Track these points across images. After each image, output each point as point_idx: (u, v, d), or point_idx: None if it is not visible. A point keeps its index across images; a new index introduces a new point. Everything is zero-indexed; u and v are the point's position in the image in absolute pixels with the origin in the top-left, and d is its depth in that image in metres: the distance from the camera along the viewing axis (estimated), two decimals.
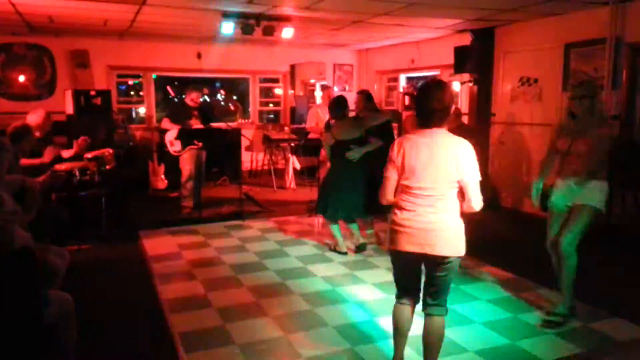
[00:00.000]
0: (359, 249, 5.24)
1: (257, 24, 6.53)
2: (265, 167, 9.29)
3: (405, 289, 2.84)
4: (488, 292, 4.25)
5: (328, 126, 5.28)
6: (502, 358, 3.20)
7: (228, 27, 6.45)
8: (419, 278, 2.82)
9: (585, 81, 5.66)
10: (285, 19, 6.63)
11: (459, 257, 2.68)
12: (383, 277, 4.55)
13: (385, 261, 4.85)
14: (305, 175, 8.99)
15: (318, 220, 6.64)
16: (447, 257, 2.62)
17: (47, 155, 5.13)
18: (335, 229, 5.21)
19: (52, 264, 2.88)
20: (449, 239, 2.61)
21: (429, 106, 2.59)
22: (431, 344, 2.78)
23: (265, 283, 4.43)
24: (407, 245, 2.65)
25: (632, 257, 4.83)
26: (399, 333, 2.88)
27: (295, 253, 5.25)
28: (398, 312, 2.86)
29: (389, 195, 2.74)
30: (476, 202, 2.63)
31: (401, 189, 2.68)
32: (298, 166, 8.88)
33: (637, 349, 3.37)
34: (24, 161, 4.89)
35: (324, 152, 6.99)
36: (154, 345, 3.36)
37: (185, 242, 5.60)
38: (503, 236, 6.10)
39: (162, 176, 8.39)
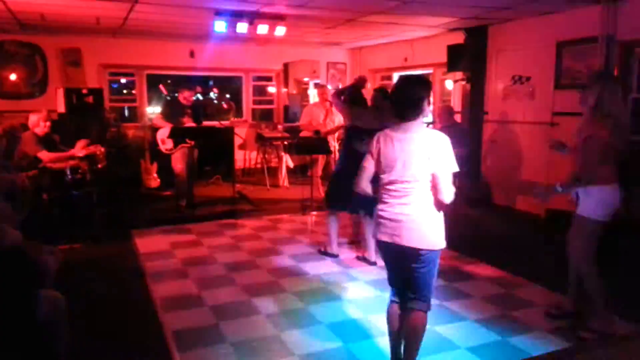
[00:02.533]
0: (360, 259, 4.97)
1: (250, 22, 6.51)
2: (259, 166, 9.28)
3: (393, 285, 2.88)
4: (480, 289, 4.27)
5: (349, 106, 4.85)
6: (493, 354, 3.22)
7: (221, 25, 6.43)
8: (405, 275, 2.82)
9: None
10: (278, 17, 6.62)
11: (434, 250, 2.65)
12: (376, 274, 4.55)
13: (378, 259, 4.87)
14: (299, 173, 8.99)
15: (311, 218, 6.65)
16: (417, 249, 2.63)
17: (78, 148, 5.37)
18: (330, 222, 4.97)
19: (43, 263, 2.86)
20: (416, 230, 2.62)
21: (403, 99, 2.66)
22: (407, 339, 2.78)
23: (259, 281, 4.42)
24: (380, 234, 2.74)
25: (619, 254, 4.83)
26: (390, 332, 2.90)
27: (289, 251, 5.25)
28: (388, 310, 2.89)
29: (362, 184, 2.84)
30: (446, 195, 2.59)
31: (381, 183, 2.75)
32: (291, 164, 8.88)
33: (624, 344, 3.40)
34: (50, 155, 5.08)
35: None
36: (147, 343, 3.35)
37: (177, 240, 5.59)
38: (495, 233, 6.13)
39: (155, 174, 8.36)
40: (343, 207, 4.91)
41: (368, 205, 4.10)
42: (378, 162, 2.73)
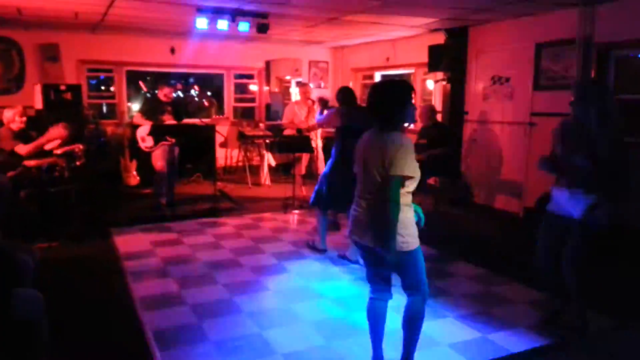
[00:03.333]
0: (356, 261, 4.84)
1: (231, 20, 6.47)
2: (240, 164, 9.24)
3: (371, 281, 2.91)
4: (460, 287, 4.32)
5: (338, 111, 5.00)
6: (475, 351, 3.26)
7: (202, 22, 6.38)
8: (380, 272, 2.83)
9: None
10: (260, 15, 6.59)
11: (402, 252, 2.62)
12: (358, 273, 4.57)
13: (361, 258, 4.89)
14: (281, 172, 8.98)
15: (293, 217, 6.65)
16: (373, 248, 2.67)
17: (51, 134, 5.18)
18: (322, 221, 5.06)
19: (21, 261, 2.81)
20: (376, 231, 2.63)
21: (374, 103, 2.69)
22: (403, 326, 2.82)
23: (240, 280, 4.40)
24: (351, 233, 2.83)
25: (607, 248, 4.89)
26: (370, 329, 2.92)
27: (271, 250, 5.23)
28: (368, 307, 2.93)
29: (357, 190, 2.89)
30: (387, 197, 2.53)
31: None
32: (273, 163, 8.86)
33: (603, 338, 3.48)
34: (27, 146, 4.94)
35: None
36: (128, 343, 3.31)
37: (158, 239, 5.53)
38: (475, 232, 6.20)
39: (134, 172, 8.27)
40: (338, 207, 4.96)
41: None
42: (357, 165, 2.80)
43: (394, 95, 2.66)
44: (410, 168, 2.57)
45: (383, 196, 2.58)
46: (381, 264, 2.76)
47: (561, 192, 3.40)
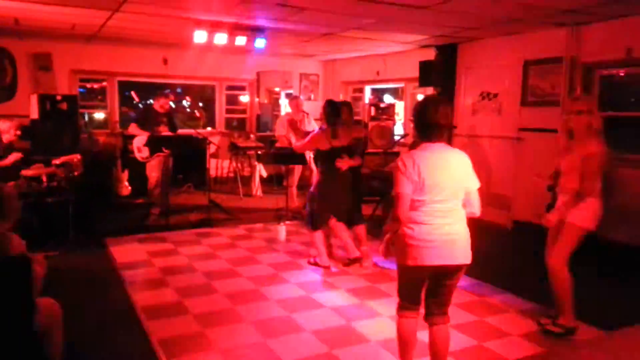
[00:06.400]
0: (350, 262, 5.11)
1: (229, 33, 6.58)
2: (231, 174, 9.30)
3: (413, 302, 2.83)
4: (456, 297, 4.42)
5: (324, 132, 4.92)
6: (470, 358, 3.38)
7: (201, 36, 6.48)
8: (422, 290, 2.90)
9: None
10: (257, 29, 6.71)
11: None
12: (356, 283, 4.68)
13: (357, 268, 5.02)
14: (273, 183, 9.06)
15: (287, 228, 6.73)
16: (462, 266, 2.73)
17: (10, 159, 5.14)
18: (318, 237, 5.05)
19: (34, 270, 2.85)
20: (465, 248, 2.72)
21: (435, 121, 2.69)
22: (440, 353, 2.82)
23: (240, 290, 4.48)
24: (429, 259, 2.63)
25: (588, 260, 5.05)
26: (409, 347, 2.86)
27: (267, 260, 5.31)
28: (405, 325, 2.84)
29: (406, 213, 2.65)
30: (479, 208, 2.80)
31: (414, 205, 2.65)
32: (264, 174, 8.94)
33: (591, 348, 3.62)
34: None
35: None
36: (135, 352, 3.36)
37: (154, 249, 5.57)
38: None
39: (126, 183, 8.27)
40: (336, 218, 5.05)
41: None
42: (421, 184, 2.62)
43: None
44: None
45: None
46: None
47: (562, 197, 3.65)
